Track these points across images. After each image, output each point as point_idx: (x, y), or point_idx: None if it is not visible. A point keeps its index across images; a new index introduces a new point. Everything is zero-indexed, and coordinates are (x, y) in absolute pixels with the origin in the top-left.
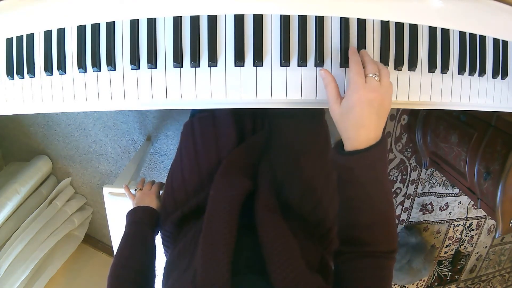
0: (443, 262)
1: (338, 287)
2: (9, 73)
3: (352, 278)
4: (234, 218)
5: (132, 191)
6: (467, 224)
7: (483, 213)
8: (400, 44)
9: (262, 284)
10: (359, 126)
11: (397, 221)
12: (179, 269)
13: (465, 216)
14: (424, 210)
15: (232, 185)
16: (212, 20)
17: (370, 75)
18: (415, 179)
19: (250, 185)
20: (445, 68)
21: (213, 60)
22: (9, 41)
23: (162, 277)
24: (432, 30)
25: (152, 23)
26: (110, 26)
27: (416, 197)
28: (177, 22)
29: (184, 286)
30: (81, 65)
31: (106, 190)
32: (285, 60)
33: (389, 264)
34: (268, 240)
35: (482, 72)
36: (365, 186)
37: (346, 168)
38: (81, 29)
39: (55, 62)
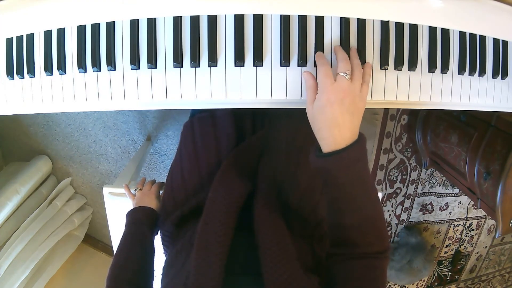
0: (443, 262)
1: None
2: (9, 73)
3: (343, 280)
4: (231, 220)
5: (132, 191)
6: (467, 224)
7: (483, 213)
8: (400, 44)
9: (255, 286)
10: (332, 126)
11: (397, 221)
12: (175, 269)
13: (465, 216)
14: (424, 210)
15: (231, 187)
16: (212, 20)
17: (341, 74)
18: (415, 179)
19: (249, 187)
20: (445, 68)
21: (213, 60)
22: (9, 41)
23: (161, 277)
24: (432, 30)
25: (152, 23)
26: (110, 26)
27: (416, 197)
28: (177, 22)
29: (176, 287)
30: (81, 65)
31: (106, 190)
32: (285, 60)
33: (381, 264)
34: (263, 240)
35: (482, 72)
36: (345, 187)
37: (324, 170)
38: (81, 29)
39: (55, 62)
